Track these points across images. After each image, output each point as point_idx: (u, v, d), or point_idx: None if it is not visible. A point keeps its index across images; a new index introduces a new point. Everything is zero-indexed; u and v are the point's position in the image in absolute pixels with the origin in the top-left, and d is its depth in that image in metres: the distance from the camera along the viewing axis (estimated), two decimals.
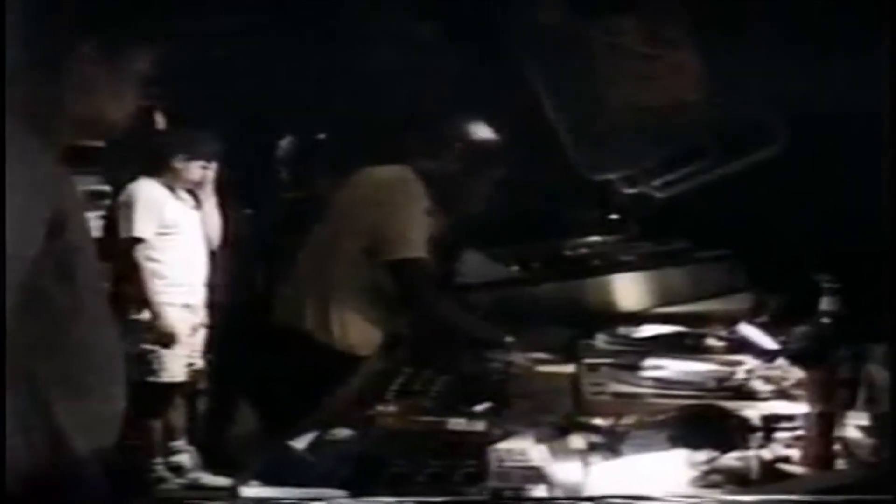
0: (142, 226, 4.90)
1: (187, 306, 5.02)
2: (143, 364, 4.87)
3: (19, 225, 1.72)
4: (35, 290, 1.75)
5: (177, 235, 5.00)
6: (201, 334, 5.13)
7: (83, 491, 1.89)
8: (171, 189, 5.04)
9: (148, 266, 4.90)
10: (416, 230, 3.43)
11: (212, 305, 5.16)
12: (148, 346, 4.90)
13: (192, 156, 5.07)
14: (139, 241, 4.89)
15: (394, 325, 3.50)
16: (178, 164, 5.03)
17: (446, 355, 3.17)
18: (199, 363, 5.14)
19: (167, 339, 4.91)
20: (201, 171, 5.09)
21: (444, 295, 3.59)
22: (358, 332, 3.43)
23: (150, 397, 4.93)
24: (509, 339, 3.39)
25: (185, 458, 5.25)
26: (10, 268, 1.69)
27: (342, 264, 3.47)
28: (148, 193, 4.96)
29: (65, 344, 1.89)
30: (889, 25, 2.50)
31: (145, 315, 4.88)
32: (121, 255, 4.86)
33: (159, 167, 5.04)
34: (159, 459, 5.11)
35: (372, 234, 3.43)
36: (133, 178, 5.00)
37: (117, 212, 4.95)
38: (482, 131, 3.64)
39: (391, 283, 3.42)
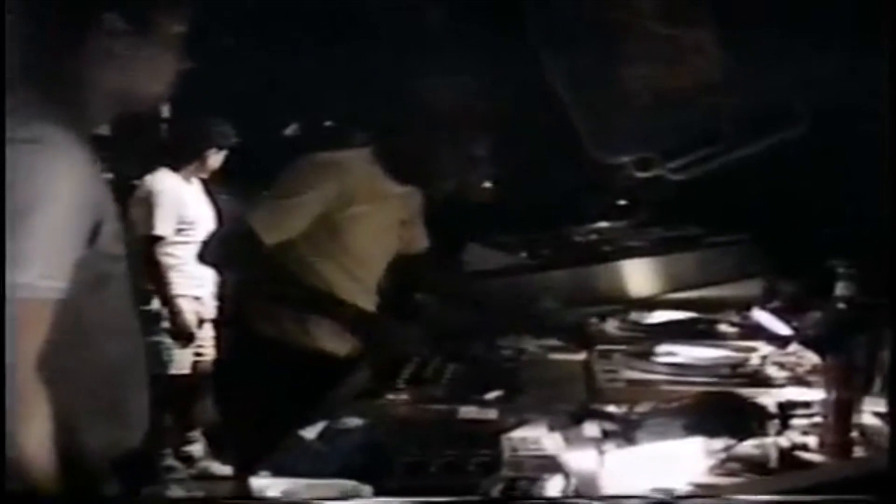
0: (162, 224, 4.82)
1: (197, 298, 4.98)
2: (153, 356, 4.84)
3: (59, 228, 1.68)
4: (67, 301, 1.69)
5: (194, 230, 4.92)
6: (209, 326, 5.09)
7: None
8: (188, 181, 4.99)
9: (167, 262, 4.84)
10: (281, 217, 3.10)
11: (220, 297, 5.13)
12: (158, 339, 4.86)
13: (213, 144, 5.02)
14: (159, 239, 4.82)
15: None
16: (201, 154, 4.98)
17: (455, 342, 3.13)
18: (209, 355, 5.10)
19: (185, 336, 4.88)
20: (219, 159, 5.05)
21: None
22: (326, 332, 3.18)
23: (162, 390, 4.91)
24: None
25: (195, 448, 5.23)
26: (46, 275, 1.64)
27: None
28: (168, 188, 4.88)
29: (91, 358, 1.84)
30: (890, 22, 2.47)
31: (155, 305, 4.84)
32: (139, 253, 4.76)
33: (182, 158, 4.97)
34: (169, 450, 5.09)
35: None
36: (148, 171, 4.93)
37: (133, 208, 4.85)
38: (446, 95, 3.28)
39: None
